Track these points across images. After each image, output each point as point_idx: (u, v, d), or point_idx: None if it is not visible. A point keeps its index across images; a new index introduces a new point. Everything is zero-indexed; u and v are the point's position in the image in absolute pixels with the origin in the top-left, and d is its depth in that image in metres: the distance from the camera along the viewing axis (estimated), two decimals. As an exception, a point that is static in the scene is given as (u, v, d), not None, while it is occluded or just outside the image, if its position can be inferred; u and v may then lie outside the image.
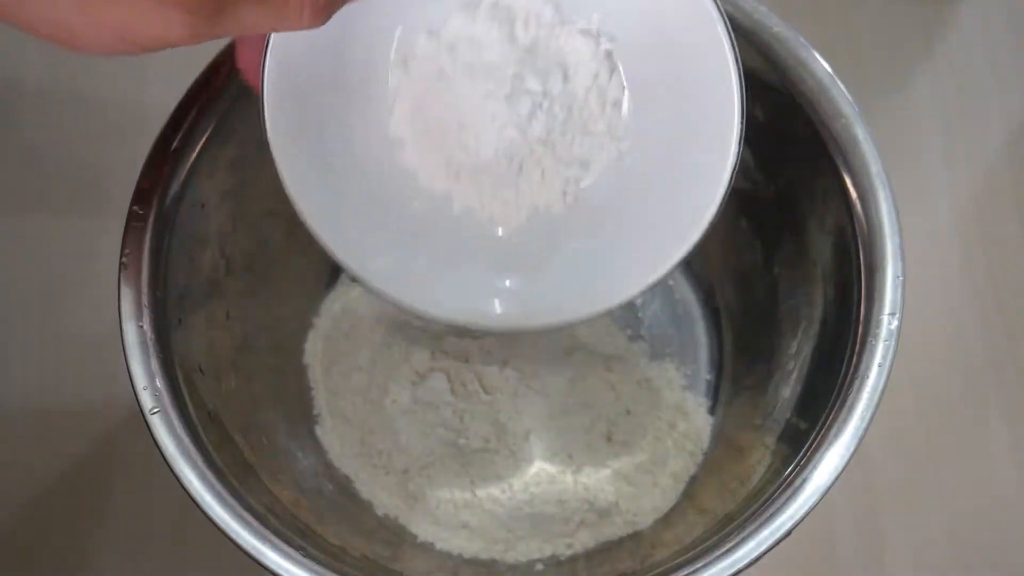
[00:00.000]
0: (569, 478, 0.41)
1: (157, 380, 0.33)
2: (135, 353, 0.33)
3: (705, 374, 0.46)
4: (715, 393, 0.45)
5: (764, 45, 0.36)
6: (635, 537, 0.41)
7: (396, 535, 0.41)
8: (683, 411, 0.44)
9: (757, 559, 0.31)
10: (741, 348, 0.45)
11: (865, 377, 0.32)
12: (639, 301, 0.46)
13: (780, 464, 0.34)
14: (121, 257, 0.34)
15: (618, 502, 0.41)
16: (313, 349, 0.45)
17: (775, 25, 0.36)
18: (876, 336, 0.33)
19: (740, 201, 0.38)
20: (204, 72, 0.35)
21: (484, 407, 0.41)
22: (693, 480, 0.42)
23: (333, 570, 0.31)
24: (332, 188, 0.20)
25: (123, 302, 0.33)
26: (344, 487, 0.42)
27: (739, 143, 0.20)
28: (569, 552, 0.41)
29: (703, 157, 0.20)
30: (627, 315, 0.46)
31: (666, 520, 0.41)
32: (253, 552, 0.31)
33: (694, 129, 0.21)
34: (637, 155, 0.21)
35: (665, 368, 0.45)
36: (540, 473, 0.42)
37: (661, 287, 0.46)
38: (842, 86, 0.35)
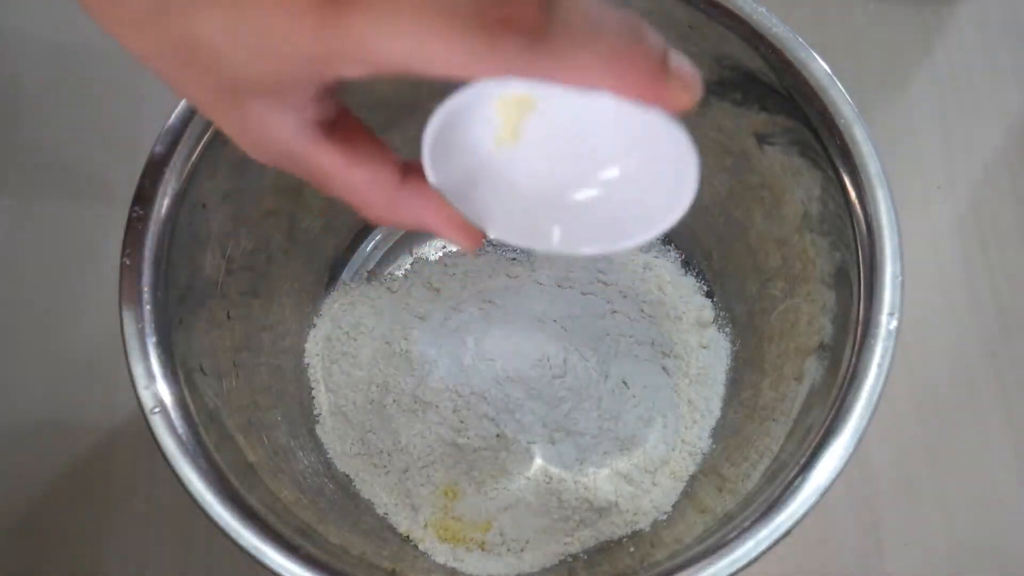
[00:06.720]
0: (569, 477, 0.41)
1: (158, 380, 0.33)
2: (136, 353, 0.33)
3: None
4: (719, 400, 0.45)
5: (764, 45, 0.36)
6: (635, 536, 0.41)
7: (396, 534, 0.41)
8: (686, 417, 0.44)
9: (757, 559, 0.31)
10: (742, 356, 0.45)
11: (864, 377, 0.32)
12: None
13: (779, 464, 0.34)
14: (122, 258, 0.34)
15: (618, 502, 0.41)
16: (313, 349, 0.45)
17: (775, 25, 0.36)
18: (875, 336, 0.33)
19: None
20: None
21: (484, 406, 0.41)
22: (693, 480, 0.42)
23: (333, 570, 0.31)
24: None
25: (124, 302, 0.33)
26: (344, 486, 0.42)
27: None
28: (569, 551, 0.41)
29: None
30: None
31: (666, 520, 0.41)
32: (253, 552, 0.31)
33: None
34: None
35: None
36: (540, 472, 0.42)
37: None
38: (841, 86, 0.35)
